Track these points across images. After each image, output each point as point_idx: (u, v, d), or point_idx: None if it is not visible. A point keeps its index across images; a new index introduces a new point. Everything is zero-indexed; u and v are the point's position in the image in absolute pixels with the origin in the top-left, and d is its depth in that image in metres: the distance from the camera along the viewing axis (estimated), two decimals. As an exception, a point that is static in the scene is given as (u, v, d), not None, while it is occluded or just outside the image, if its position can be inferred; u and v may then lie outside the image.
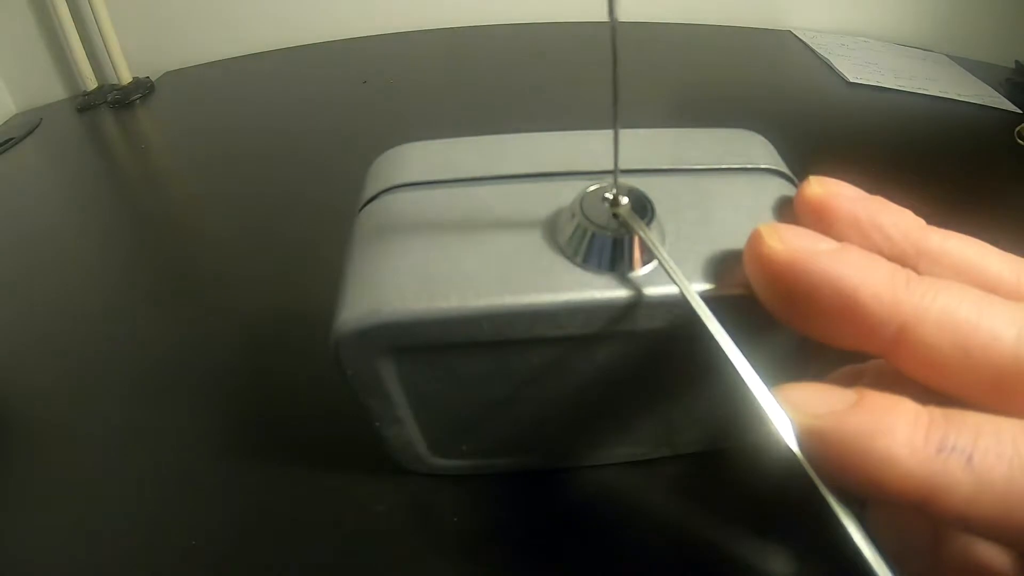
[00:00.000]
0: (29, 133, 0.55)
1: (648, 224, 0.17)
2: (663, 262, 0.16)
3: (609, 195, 0.17)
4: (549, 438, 0.24)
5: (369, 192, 0.20)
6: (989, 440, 0.12)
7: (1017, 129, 0.52)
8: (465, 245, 0.18)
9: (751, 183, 0.20)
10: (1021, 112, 0.56)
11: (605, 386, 0.21)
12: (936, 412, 0.13)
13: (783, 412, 0.14)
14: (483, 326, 0.17)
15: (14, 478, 0.27)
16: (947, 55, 0.67)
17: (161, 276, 0.39)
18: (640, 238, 0.17)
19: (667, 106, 0.56)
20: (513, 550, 0.24)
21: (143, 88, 0.61)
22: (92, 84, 0.62)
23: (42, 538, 0.25)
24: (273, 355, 0.32)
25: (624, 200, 0.17)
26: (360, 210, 0.20)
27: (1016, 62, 0.64)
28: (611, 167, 0.18)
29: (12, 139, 0.54)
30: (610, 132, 0.20)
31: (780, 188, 0.20)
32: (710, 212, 0.19)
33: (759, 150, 0.21)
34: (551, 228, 0.18)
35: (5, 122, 0.59)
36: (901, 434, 0.13)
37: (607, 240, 0.17)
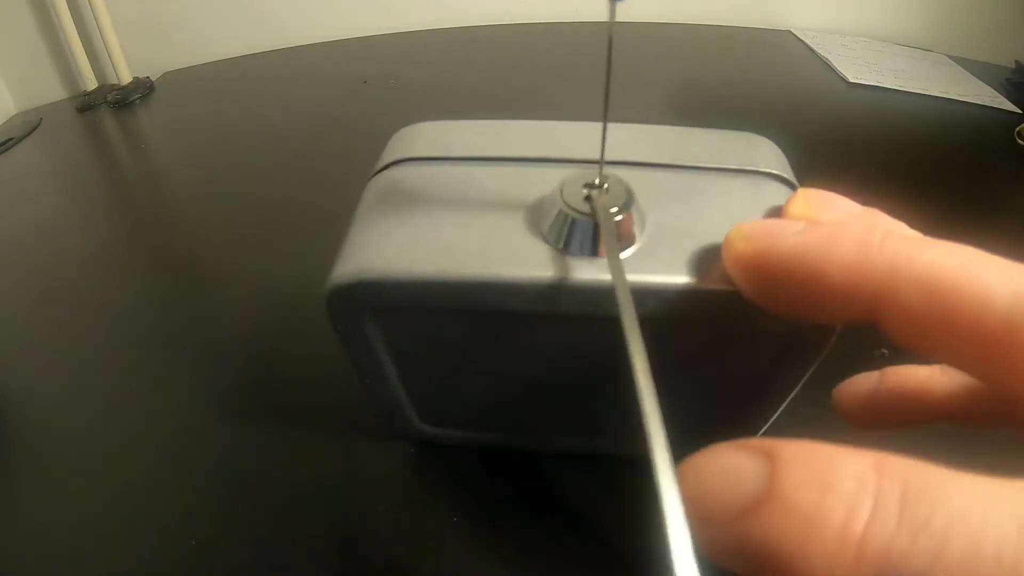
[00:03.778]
0: (29, 133, 0.55)
1: (625, 213, 0.18)
2: (606, 243, 0.17)
3: (590, 182, 0.18)
4: (528, 418, 0.25)
5: (382, 163, 0.22)
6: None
7: (1017, 129, 0.52)
8: (453, 219, 0.19)
9: (747, 185, 0.20)
10: (1021, 112, 0.56)
11: (582, 371, 0.22)
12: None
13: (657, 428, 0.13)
14: (456, 293, 0.18)
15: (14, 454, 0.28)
16: (947, 55, 0.67)
17: (161, 275, 0.39)
18: (613, 225, 0.17)
19: (667, 106, 0.56)
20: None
21: (143, 88, 0.61)
22: (92, 84, 0.62)
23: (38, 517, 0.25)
24: (271, 357, 0.32)
25: (604, 186, 0.18)
26: (371, 178, 0.22)
27: (1016, 62, 0.64)
28: (610, 158, 0.19)
29: (12, 139, 0.54)
30: (615, 125, 0.20)
31: (777, 193, 0.20)
32: (697, 209, 0.19)
33: (765, 154, 0.21)
34: (535, 211, 0.19)
35: (5, 122, 0.59)
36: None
37: (581, 224, 0.18)
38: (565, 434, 0.26)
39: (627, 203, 0.18)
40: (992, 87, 0.60)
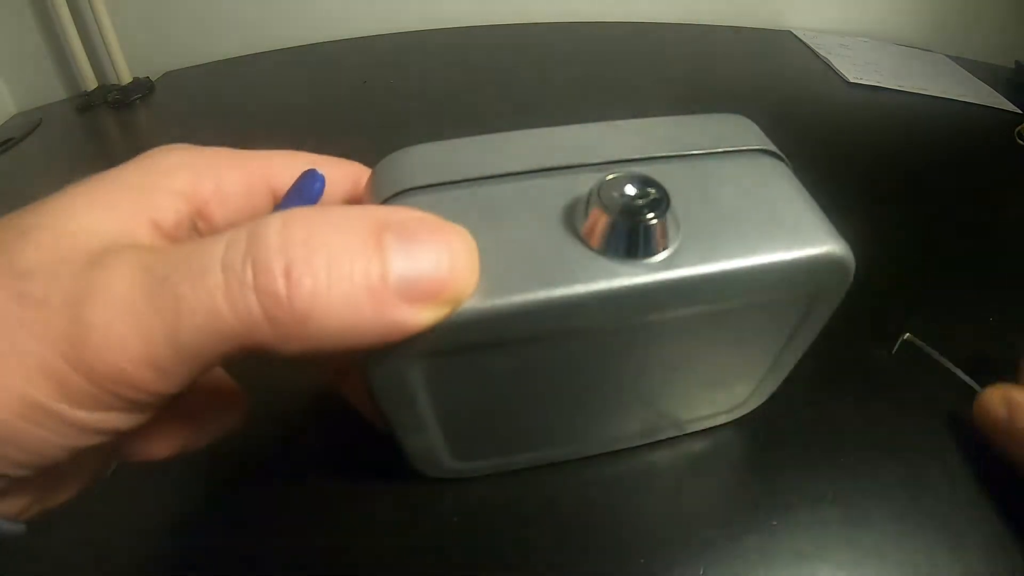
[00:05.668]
0: (29, 133, 0.55)
1: (668, 209, 0.17)
2: (663, 239, 0.17)
3: (625, 184, 0.18)
4: (569, 430, 0.25)
5: (378, 196, 0.19)
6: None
7: (1017, 129, 0.52)
8: (488, 245, 0.17)
9: (748, 164, 0.21)
10: (1021, 112, 0.56)
11: (626, 373, 0.22)
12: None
13: None
14: (518, 323, 0.17)
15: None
16: (947, 55, 0.67)
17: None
18: (660, 223, 0.17)
19: (667, 105, 0.56)
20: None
21: (143, 88, 0.61)
22: (92, 84, 0.62)
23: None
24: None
25: (648, 190, 0.18)
26: None
27: (1016, 62, 0.64)
28: (616, 158, 0.19)
29: (12, 139, 0.54)
30: (608, 123, 0.20)
31: (773, 167, 0.21)
32: (715, 194, 0.19)
33: (749, 132, 0.22)
34: (572, 222, 0.18)
35: (5, 122, 0.59)
36: None
37: (634, 228, 0.17)
38: (597, 438, 0.26)
39: (665, 199, 0.18)
40: (992, 87, 0.60)
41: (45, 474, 0.15)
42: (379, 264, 0.13)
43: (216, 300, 0.12)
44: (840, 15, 0.73)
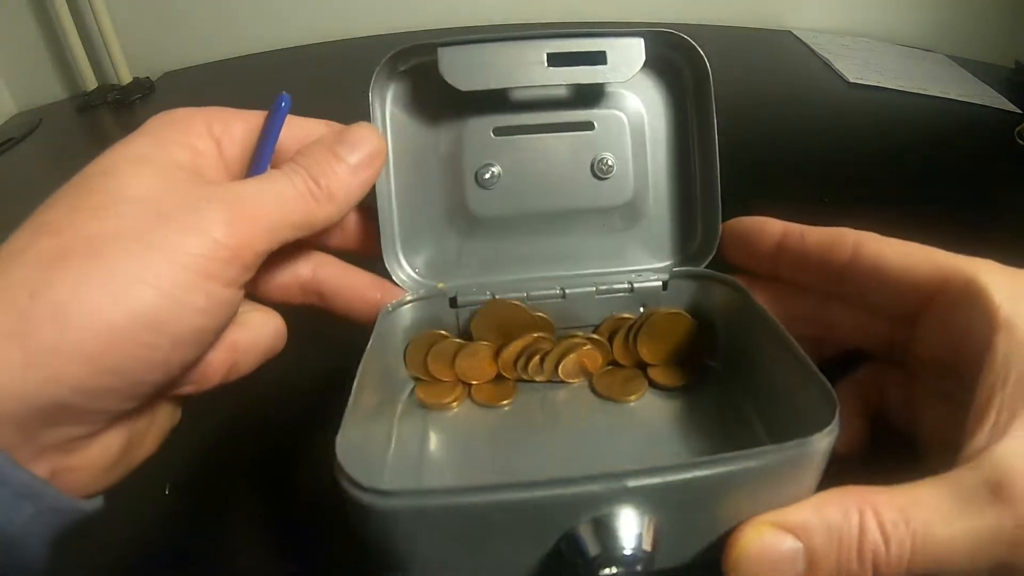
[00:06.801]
0: (29, 133, 0.55)
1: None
2: None
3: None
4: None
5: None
6: None
7: (1017, 129, 0.52)
8: None
9: None
10: (1021, 112, 0.56)
11: None
12: None
13: None
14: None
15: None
16: (947, 55, 0.67)
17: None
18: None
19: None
20: None
21: (143, 88, 0.61)
22: (92, 84, 0.62)
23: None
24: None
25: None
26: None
27: (1016, 62, 0.64)
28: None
29: (12, 139, 0.54)
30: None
31: None
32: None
33: None
34: None
35: (5, 122, 0.59)
36: None
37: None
38: None
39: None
40: (992, 87, 0.60)
41: (136, 418, 0.20)
42: (343, 163, 0.23)
43: (295, 194, 0.21)
44: (840, 15, 0.73)
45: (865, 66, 0.63)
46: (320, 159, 0.22)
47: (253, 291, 0.24)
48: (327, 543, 0.23)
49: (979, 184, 0.47)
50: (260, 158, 0.23)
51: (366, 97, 0.27)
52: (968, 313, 0.20)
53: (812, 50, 0.66)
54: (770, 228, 0.26)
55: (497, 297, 0.27)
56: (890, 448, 0.23)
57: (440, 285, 0.28)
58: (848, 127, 0.54)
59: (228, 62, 0.66)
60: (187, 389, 0.21)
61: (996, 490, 0.17)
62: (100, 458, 0.19)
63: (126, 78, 0.62)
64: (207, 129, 0.23)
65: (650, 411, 0.27)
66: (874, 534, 0.17)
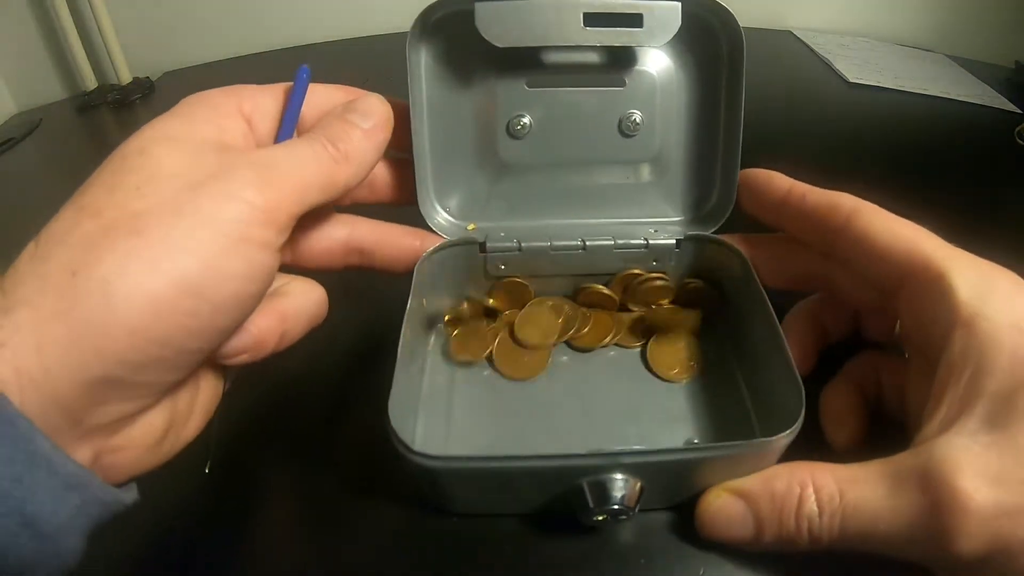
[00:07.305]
0: (29, 133, 0.55)
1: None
2: None
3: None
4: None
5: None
6: None
7: (1017, 129, 0.52)
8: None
9: None
10: (1021, 112, 0.56)
11: None
12: None
13: None
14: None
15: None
16: (947, 55, 0.67)
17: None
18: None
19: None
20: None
21: (143, 88, 0.61)
22: (92, 84, 0.62)
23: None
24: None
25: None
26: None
27: (1016, 62, 0.64)
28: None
29: (12, 139, 0.54)
30: None
31: None
32: None
33: None
34: None
35: (5, 122, 0.59)
36: None
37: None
38: None
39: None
40: (992, 87, 0.60)
41: (179, 395, 0.21)
42: (357, 129, 0.24)
43: (316, 157, 0.23)
44: (840, 15, 0.73)
45: (865, 66, 0.63)
46: (336, 126, 0.24)
47: (298, 261, 0.27)
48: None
49: (979, 184, 0.47)
50: (285, 128, 0.25)
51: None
52: (933, 305, 0.21)
53: (812, 50, 0.66)
54: (777, 183, 0.27)
55: (526, 274, 0.30)
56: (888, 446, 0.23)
57: (471, 227, 0.30)
58: (848, 127, 0.54)
59: (228, 62, 0.66)
60: (243, 358, 0.22)
61: (923, 478, 0.19)
62: (144, 437, 0.20)
63: (126, 78, 0.62)
64: (237, 108, 0.24)
65: (666, 395, 0.29)
66: (811, 504, 0.20)
